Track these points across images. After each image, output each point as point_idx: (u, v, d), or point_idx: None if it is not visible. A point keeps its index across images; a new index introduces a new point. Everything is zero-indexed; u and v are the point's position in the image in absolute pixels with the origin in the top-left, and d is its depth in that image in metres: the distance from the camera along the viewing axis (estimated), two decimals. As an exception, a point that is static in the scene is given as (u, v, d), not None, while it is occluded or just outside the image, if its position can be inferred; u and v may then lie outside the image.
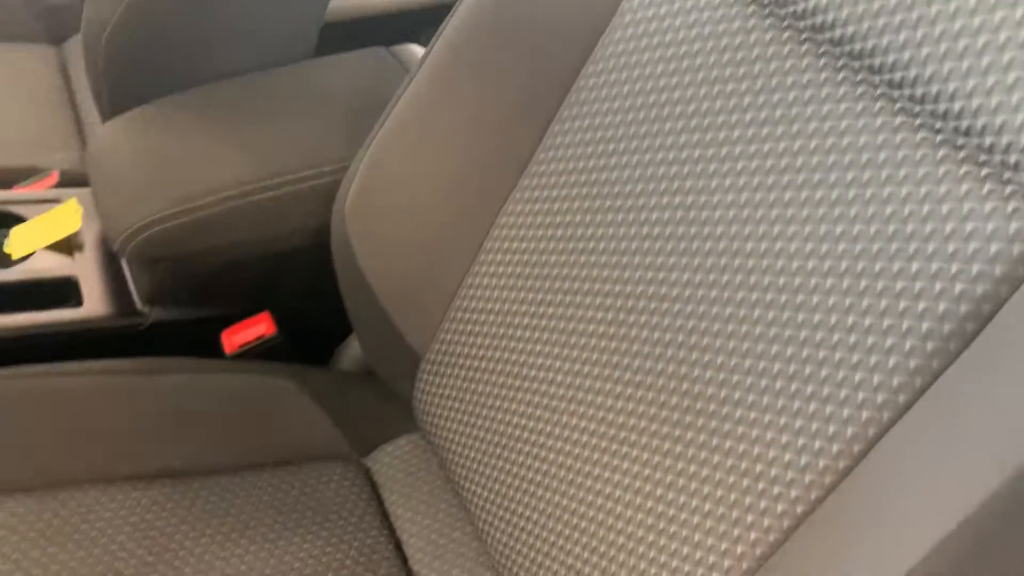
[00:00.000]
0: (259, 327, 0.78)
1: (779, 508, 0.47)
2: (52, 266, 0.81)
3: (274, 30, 0.87)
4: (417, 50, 0.90)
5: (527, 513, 0.64)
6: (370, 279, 0.71)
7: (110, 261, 0.84)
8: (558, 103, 0.65)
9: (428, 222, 0.70)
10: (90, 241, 0.84)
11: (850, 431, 0.45)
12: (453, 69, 0.70)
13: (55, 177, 0.89)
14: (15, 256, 0.81)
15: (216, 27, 0.84)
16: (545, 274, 0.65)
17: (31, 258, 0.81)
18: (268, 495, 0.73)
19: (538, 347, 0.62)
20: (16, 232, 0.82)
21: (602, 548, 0.56)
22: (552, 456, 0.62)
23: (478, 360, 0.70)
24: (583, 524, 0.59)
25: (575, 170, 0.64)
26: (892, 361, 0.44)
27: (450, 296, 0.72)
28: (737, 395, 0.50)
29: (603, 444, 0.57)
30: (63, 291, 0.80)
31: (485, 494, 0.70)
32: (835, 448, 0.45)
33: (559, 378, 0.61)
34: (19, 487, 0.64)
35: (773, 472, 0.48)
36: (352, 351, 0.87)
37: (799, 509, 0.47)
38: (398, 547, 0.74)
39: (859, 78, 0.48)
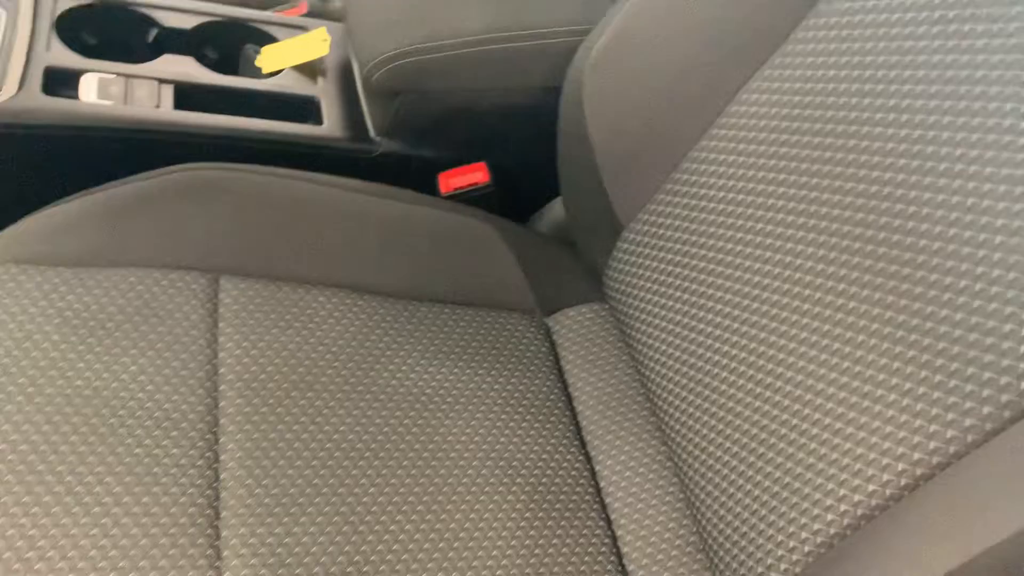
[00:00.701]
0: (475, 175, 0.83)
1: (984, 410, 0.48)
2: (297, 85, 0.87)
3: None
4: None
5: (709, 392, 0.66)
6: (593, 140, 0.73)
7: (349, 90, 0.89)
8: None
9: (663, 94, 0.72)
10: (332, 69, 0.90)
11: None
12: None
13: (304, 7, 0.95)
14: (266, 70, 0.88)
15: None
16: (772, 165, 0.66)
17: (279, 75, 0.88)
18: (460, 330, 0.78)
19: (759, 226, 0.63)
20: (268, 50, 0.89)
21: (791, 426, 0.57)
22: (755, 333, 0.63)
23: (687, 235, 0.71)
24: (775, 401, 0.60)
25: (816, 78, 0.64)
26: None
27: (669, 170, 0.74)
28: (962, 283, 0.50)
29: (815, 325, 0.58)
30: (306, 109, 0.86)
31: (666, 370, 0.73)
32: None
33: (776, 257, 0.62)
34: (247, 272, 0.72)
35: (986, 375, 0.48)
36: (551, 216, 0.91)
37: (1006, 414, 0.47)
38: (569, 402, 0.78)
39: None
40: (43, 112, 0.74)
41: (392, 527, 0.62)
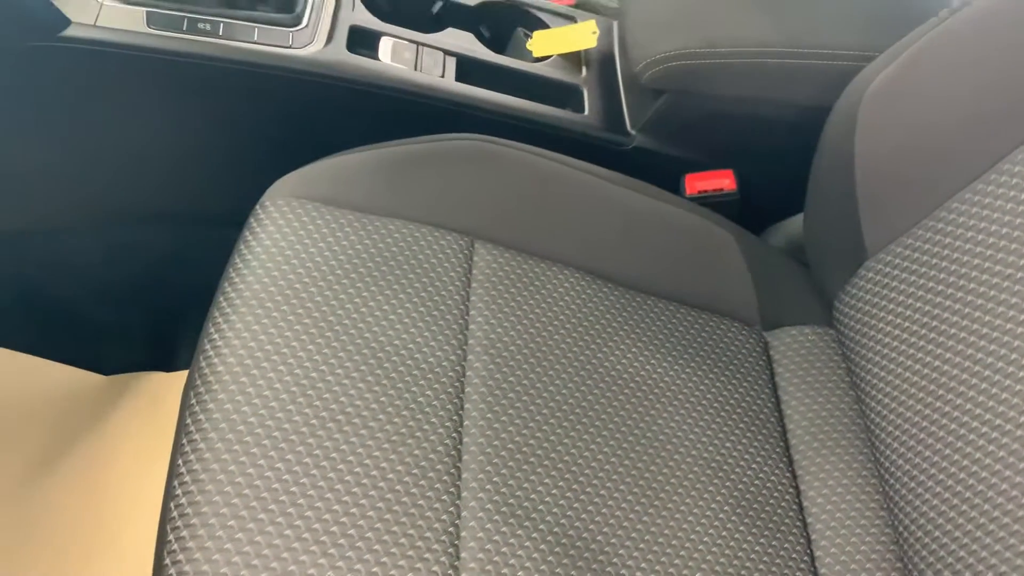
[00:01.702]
0: (722, 180, 0.85)
1: None
2: (563, 73, 0.92)
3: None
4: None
5: (936, 440, 0.66)
6: (858, 167, 0.74)
7: (610, 82, 0.93)
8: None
9: (939, 135, 0.71)
10: (596, 62, 0.94)
11: None
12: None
13: (573, -2, 1.00)
14: (535, 55, 0.93)
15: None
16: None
17: (547, 60, 0.93)
18: (683, 329, 0.80)
19: (1016, 287, 0.62)
20: (539, 35, 0.94)
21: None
22: (994, 391, 0.62)
23: (942, 274, 0.70)
24: (1009, 463, 0.59)
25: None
26: None
27: (930, 209, 0.73)
28: None
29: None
30: (569, 96, 0.91)
31: (894, 403, 0.72)
32: None
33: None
34: (499, 240, 0.77)
35: None
36: (787, 232, 0.91)
37: None
38: (780, 417, 0.79)
39: None
40: (346, 66, 0.82)
41: (609, 501, 0.65)
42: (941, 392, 0.67)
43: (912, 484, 0.68)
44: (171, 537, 0.55)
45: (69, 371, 0.96)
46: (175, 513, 0.56)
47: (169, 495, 0.57)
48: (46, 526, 0.85)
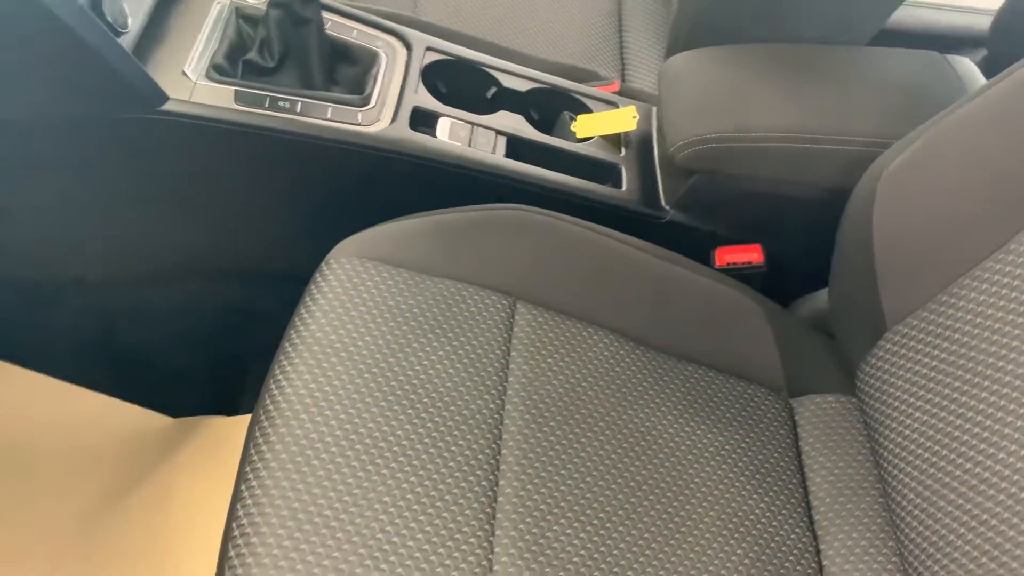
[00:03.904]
0: (750, 254, 0.90)
1: None
2: (603, 152, 1.00)
3: (844, 13, 0.97)
4: (970, 64, 0.94)
5: (954, 507, 0.69)
6: (876, 244, 0.79)
7: (647, 162, 1.01)
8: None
9: (951, 217, 0.76)
10: (635, 142, 1.02)
11: None
12: None
13: (617, 85, 1.08)
14: (579, 136, 1.01)
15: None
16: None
17: (591, 142, 1.00)
18: (710, 392, 0.85)
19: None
20: (583, 119, 1.02)
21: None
22: (1010, 460, 0.66)
23: (955, 346, 0.75)
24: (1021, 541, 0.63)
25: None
26: None
27: (945, 283, 0.77)
28: None
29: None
30: (608, 173, 0.98)
31: (911, 468, 0.75)
32: None
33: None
34: (539, 302, 0.83)
35: None
36: (813, 305, 0.96)
37: None
38: (802, 480, 0.82)
39: None
40: (408, 143, 0.90)
41: (634, 548, 0.69)
42: (953, 457, 0.71)
43: (925, 545, 0.71)
44: (232, 554, 0.62)
45: (140, 412, 1.04)
46: (236, 532, 0.62)
47: (232, 517, 0.64)
48: (114, 556, 0.92)
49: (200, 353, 1.08)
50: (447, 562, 0.63)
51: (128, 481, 1.00)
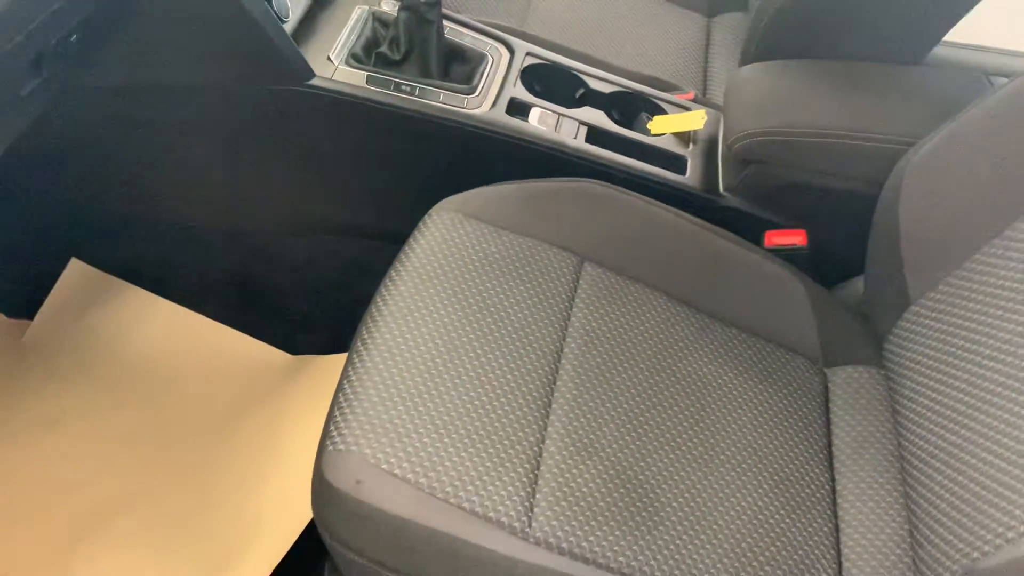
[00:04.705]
0: (795, 238, 1.03)
1: None
2: (673, 145, 1.14)
3: (895, 35, 1.09)
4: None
5: (960, 451, 0.79)
6: (902, 222, 0.90)
7: (711, 156, 1.15)
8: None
9: (968, 197, 0.87)
10: (702, 141, 1.16)
11: None
12: None
13: (692, 95, 1.22)
14: (653, 132, 1.15)
15: (856, 22, 1.08)
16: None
17: (663, 137, 1.15)
18: (749, 352, 0.95)
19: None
20: (658, 119, 1.17)
21: None
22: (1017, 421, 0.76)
23: (972, 313, 0.85)
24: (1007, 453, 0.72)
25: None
26: None
27: (961, 260, 0.88)
28: None
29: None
30: (676, 163, 1.13)
31: (925, 430, 0.86)
32: None
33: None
34: (602, 263, 0.96)
35: None
36: (849, 290, 1.07)
37: None
38: (828, 433, 0.92)
39: None
40: (503, 124, 1.08)
41: (665, 458, 0.82)
42: (960, 419, 0.81)
43: (929, 474, 0.81)
44: (336, 413, 0.77)
45: (265, 348, 1.23)
46: (341, 399, 0.78)
47: (339, 390, 0.80)
48: (240, 451, 1.10)
49: (322, 301, 1.26)
50: (505, 442, 0.77)
51: (251, 400, 1.18)
